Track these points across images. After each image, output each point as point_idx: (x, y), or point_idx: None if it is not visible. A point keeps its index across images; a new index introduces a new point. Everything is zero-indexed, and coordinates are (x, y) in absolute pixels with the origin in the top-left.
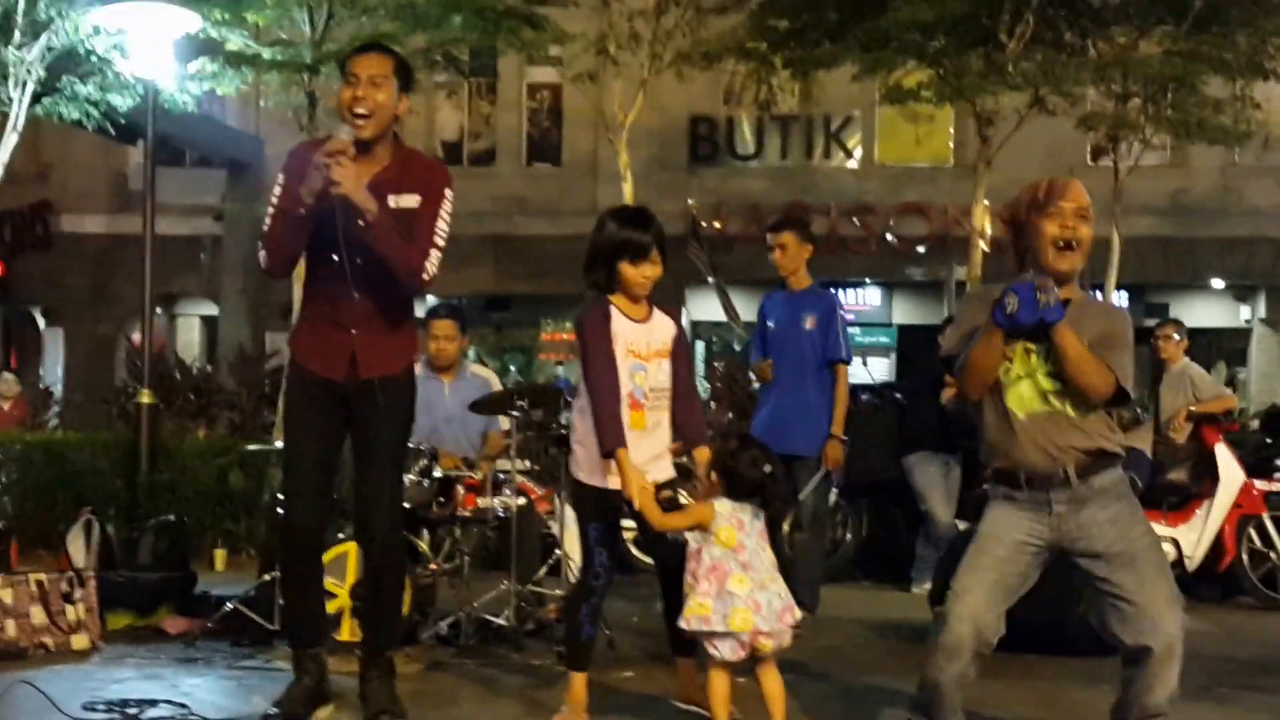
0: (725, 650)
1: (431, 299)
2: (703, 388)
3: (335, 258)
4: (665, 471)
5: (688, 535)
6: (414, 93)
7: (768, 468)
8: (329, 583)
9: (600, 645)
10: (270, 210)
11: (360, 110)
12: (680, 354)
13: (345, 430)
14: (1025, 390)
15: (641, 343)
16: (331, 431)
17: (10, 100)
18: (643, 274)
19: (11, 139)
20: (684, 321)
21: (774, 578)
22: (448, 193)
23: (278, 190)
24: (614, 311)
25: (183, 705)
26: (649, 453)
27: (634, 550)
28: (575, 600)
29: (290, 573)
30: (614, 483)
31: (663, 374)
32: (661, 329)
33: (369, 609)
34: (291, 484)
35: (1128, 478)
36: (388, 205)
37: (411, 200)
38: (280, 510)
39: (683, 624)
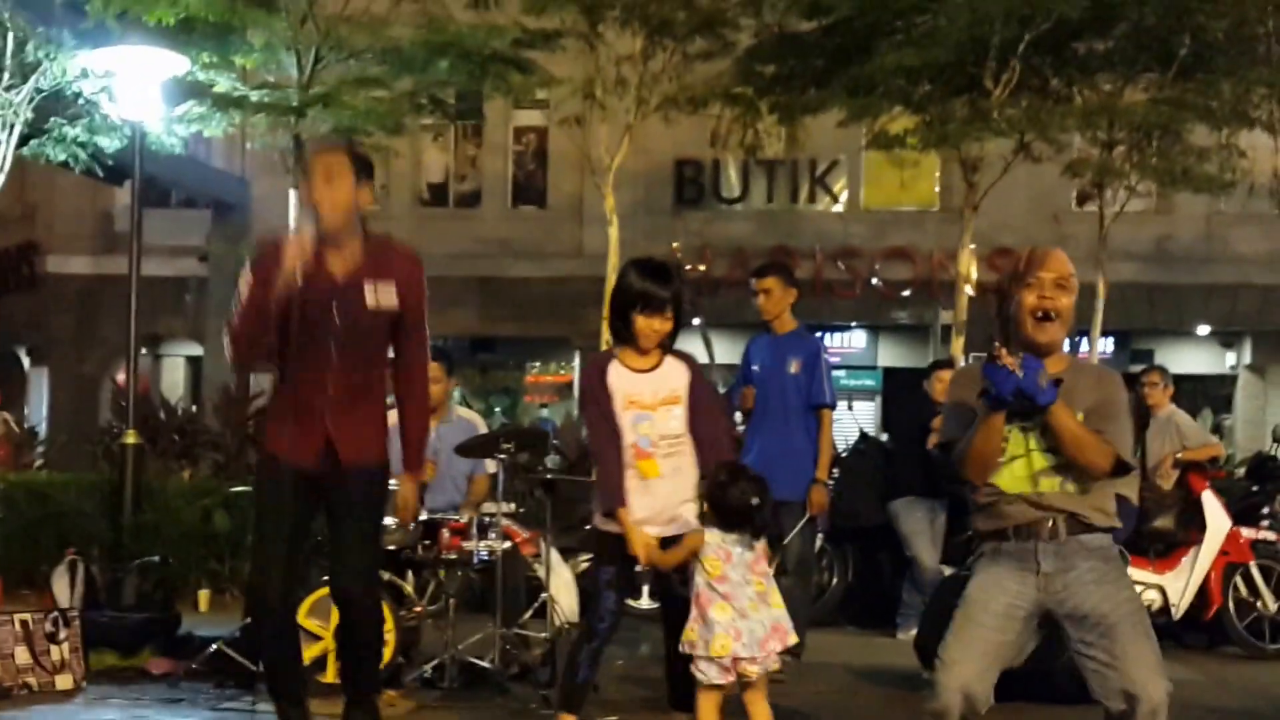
0: (711, 674)
1: None
2: None
3: (331, 344)
4: (683, 523)
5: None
6: (402, 134)
7: (755, 499)
8: (314, 625)
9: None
10: (238, 307)
11: (319, 207)
12: (698, 399)
13: (318, 509)
14: (1018, 469)
15: (645, 392)
16: (303, 512)
17: None
18: (652, 326)
19: None
20: None
21: (759, 607)
22: (425, 283)
23: (245, 288)
24: (614, 364)
25: None
26: (670, 499)
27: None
28: (578, 641)
29: (265, 643)
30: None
31: (674, 420)
32: (672, 376)
33: (347, 658)
34: (261, 564)
35: (1117, 549)
36: (365, 298)
37: (389, 293)
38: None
39: (682, 647)
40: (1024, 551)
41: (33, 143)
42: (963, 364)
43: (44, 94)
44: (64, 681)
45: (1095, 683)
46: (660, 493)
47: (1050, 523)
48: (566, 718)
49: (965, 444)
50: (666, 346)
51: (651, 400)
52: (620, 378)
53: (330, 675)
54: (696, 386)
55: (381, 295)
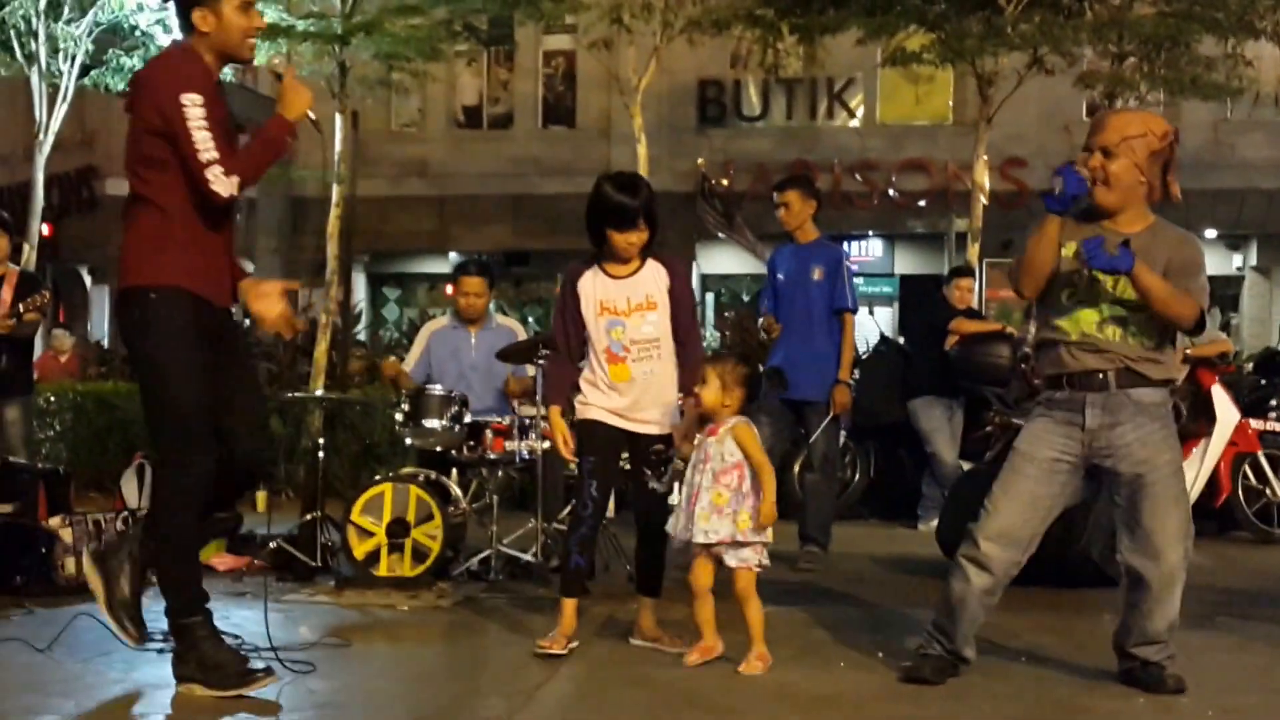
0: (762, 556)
1: (455, 255)
2: (713, 337)
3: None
4: (662, 423)
5: (729, 447)
6: (438, 60)
7: None
8: (366, 521)
9: (620, 580)
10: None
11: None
12: (678, 302)
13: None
14: (1085, 315)
15: (619, 299)
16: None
17: (60, 73)
18: (627, 240)
19: (61, 109)
20: (694, 275)
21: None
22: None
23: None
24: (592, 271)
25: (235, 636)
26: (642, 399)
27: None
28: (568, 530)
29: (195, 530)
30: (612, 420)
31: (648, 325)
32: (648, 282)
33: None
34: (194, 430)
35: (1172, 404)
36: None
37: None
38: (176, 461)
39: (741, 535)
40: (1074, 402)
41: (93, 73)
42: (980, 270)
43: (102, 27)
44: None
45: (1123, 538)
46: (632, 393)
47: (1102, 374)
48: (567, 601)
49: (1018, 254)
50: (646, 252)
51: (625, 306)
52: (596, 285)
53: (384, 569)
54: (674, 292)
55: None
